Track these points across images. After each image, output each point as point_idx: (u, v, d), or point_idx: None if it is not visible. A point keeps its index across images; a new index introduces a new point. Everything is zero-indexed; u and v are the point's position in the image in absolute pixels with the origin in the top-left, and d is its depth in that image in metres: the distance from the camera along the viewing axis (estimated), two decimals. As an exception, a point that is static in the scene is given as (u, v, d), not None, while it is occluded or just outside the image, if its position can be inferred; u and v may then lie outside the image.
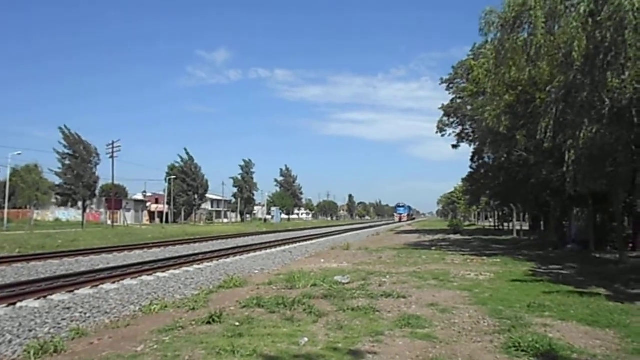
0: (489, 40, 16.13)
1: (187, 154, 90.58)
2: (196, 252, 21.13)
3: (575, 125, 15.09)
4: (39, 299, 9.78)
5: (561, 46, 13.82)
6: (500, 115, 19.02)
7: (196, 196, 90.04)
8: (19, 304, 9.24)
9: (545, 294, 10.30)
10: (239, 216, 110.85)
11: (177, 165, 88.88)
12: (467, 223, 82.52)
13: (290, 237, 33.93)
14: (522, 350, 5.98)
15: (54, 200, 64.70)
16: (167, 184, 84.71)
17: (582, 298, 9.68)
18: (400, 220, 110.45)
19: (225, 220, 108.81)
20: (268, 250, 23.25)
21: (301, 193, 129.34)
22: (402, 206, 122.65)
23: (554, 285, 11.66)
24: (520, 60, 14.11)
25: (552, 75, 15.14)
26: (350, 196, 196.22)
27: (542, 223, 37.00)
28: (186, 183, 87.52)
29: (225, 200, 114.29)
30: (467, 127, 39.81)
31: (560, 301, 9.34)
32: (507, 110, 19.87)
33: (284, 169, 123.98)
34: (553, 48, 13.38)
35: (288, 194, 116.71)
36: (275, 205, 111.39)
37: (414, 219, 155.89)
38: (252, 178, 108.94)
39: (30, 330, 7.29)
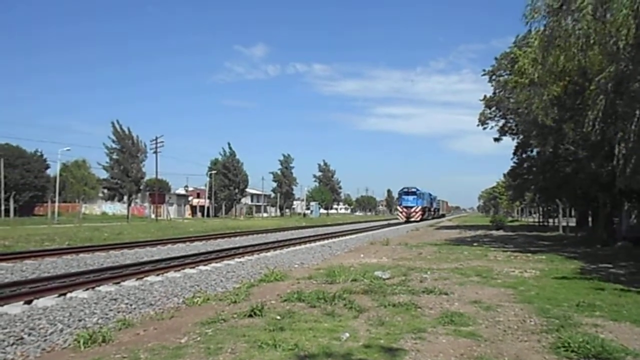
0: (533, 28, 15.58)
1: (230, 148, 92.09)
2: (237, 245, 21.43)
3: (626, 116, 14.45)
4: (87, 290, 10.12)
5: (612, 34, 13.20)
6: (547, 107, 18.40)
7: (237, 191, 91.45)
8: (69, 295, 9.58)
9: (595, 292, 9.89)
10: (278, 210, 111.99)
11: (219, 159, 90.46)
12: (509, 219, 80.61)
13: (330, 232, 33.95)
14: (572, 351, 5.74)
15: (101, 195, 67.06)
16: (208, 179, 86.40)
17: (636, 297, 9.26)
18: (408, 219, 61.54)
19: (265, 215, 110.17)
20: (307, 245, 23.34)
21: (340, 188, 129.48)
22: (413, 193, 64.66)
23: (605, 283, 11.19)
24: (569, 49, 13.56)
25: (602, 65, 14.52)
26: (389, 191, 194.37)
27: (590, 219, 35.69)
28: (227, 178, 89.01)
29: (265, 195, 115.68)
30: (510, 120, 38.76)
31: (612, 300, 8.94)
32: (554, 102, 19.20)
33: (322, 163, 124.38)
34: (603, 36, 12.80)
35: (327, 189, 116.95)
36: (314, 200, 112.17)
37: (442, 215, 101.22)
38: (292, 173, 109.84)
39: (79, 320, 7.54)
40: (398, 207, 68.06)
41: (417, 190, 65.34)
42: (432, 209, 79.41)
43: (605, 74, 14.54)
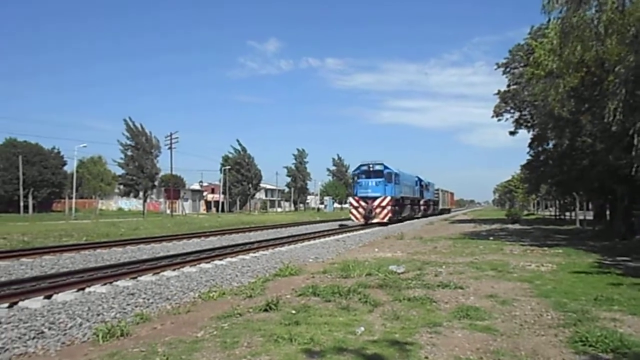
0: (552, 18, 15.33)
1: (240, 145, 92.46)
2: (251, 240, 21.53)
3: (646, 107, 14.19)
4: (105, 284, 10.26)
5: (631, 23, 12.95)
6: (563, 99, 18.14)
7: (250, 186, 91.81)
8: (87, 289, 9.74)
9: (613, 286, 9.75)
10: (292, 205, 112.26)
11: (230, 156, 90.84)
12: (525, 212, 79.76)
13: (344, 226, 33.92)
14: (590, 345, 5.67)
15: (117, 191, 67.89)
16: (222, 175, 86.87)
17: (655, 292, 9.11)
18: (367, 219, 35.40)
19: (279, 210, 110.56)
20: (322, 239, 23.37)
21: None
22: (377, 173, 36.39)
23: (623, 277, 11.03)
24: (587, 39, 13.32)
25: (621, 55, 14.26)
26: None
27: (607, 212, 35.19)
28: (240, 173, 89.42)
29: (279, 190, 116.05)
30: (525, 112, 38.32)
31: (631, 295, 8.81)
32: (571, 93, 18.92)
33: (336, 158, 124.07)
34: (623, 25, 12.56)
35: (341, 183, 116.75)
36: (328, 195, 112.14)
37: (445, 210, 76.03)
38: (306, 167, 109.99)
39: (98, 315, 7.64)
40: (351, 200, 38.90)
41: (386, 168, 37.30)
42: (421, 202, 52.04)
43: (625, 64, 14.28)
